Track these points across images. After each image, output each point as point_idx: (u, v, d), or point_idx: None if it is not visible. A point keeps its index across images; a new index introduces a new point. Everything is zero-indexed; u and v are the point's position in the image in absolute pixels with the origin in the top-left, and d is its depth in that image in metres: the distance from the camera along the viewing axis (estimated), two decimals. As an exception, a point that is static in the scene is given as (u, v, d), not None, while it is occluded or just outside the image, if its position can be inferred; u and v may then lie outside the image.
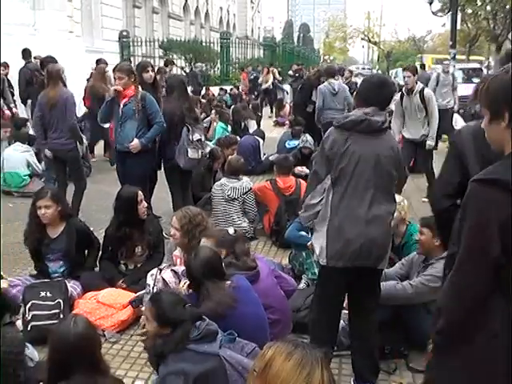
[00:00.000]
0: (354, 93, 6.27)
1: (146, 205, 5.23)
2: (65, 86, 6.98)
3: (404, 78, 7.83)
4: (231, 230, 4.33)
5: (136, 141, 6.20)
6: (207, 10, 41.27)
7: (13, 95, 12.22)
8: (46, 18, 15.07)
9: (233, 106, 14.13)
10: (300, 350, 1.87)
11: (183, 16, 35.00)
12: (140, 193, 5.18)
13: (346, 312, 3.90)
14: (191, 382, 2.94)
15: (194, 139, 6.42)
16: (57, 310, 4.42)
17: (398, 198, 4.90)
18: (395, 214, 4.44)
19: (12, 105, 11.98)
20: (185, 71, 21.48)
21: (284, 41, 37.24)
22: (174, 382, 2.95)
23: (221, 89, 19.45)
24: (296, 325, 4.28)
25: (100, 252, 5.28)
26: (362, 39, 59.47)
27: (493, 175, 1.91)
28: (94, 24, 20.29)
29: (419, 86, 7.76)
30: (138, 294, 4.61)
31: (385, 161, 3.50)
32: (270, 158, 9.87)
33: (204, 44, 25.71)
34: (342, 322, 4.03)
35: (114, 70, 6.55)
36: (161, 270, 4.44)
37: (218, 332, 3.18)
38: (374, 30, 58.61)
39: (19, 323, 4.42)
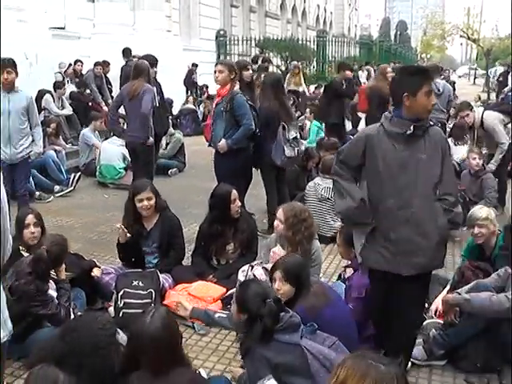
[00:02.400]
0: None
1: (239, 204, 5.24)
2: (149, 82, 7.14)
3: None
4: None
5: (223, 141, 6.28)
6: (304, 9, 41.17)
7: (111, 92, 12.77)
8: (144, 18, 15.58)
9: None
10: (374, 370, 1.82)
11: (280, 14, 35.10)
12: (234, 192, 5.20)
13: (439, 321, 3.80)
14: (273, 368, 3.03)
15: (290, 137, 6.43)
16: (148, 300, 4.52)
17: (486, 211, 4.74)
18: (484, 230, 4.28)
19: (110, 101, 12.52)
20: (281, 69, 21.52)
21: (381, 39, 36.60)
22: (257, 367, 3.06)
23: (316, 87, 19.31)
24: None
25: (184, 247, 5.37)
26: (461, 36, 57.33)
27: None
28: (192, 23, 20.74)
29: None
30: (230, 291, 4.63)
31: None
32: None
33: (300, 42, 25.66)
34: (433, 330, 3.94)
35: (215, 65, 6.67)
36: (252, 267, 4.47)
37: (300, 324, 3.23)
38: (474, 27, 56.39)
39: (111, 309, 4.60)
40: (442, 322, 4.10)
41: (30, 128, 6.31)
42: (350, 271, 4.24)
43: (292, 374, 3.08)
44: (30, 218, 4.63)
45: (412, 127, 3.27)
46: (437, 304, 4.23)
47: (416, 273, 3.36)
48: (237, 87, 6.37)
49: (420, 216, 3.31)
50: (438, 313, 4.20)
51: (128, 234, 5.00)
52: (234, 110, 6.21)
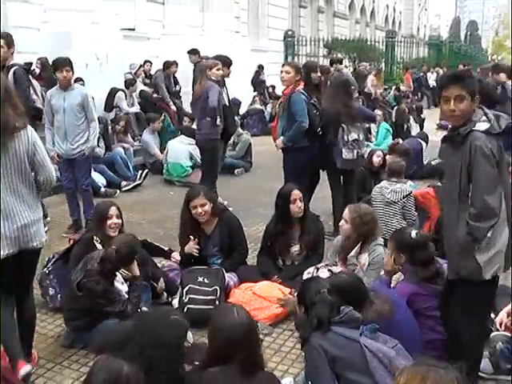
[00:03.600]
0: None
1: (299, 204, 5.15)
2: (212, 80, 7.17)
3: None
4: (413, 233, 4.09)
5: (279, 139, 6.44)
6: (373, 8, 40.66)
7: (179, 92, 12.98)
8: (213, 19, 15.75)
9: (396, 107, 13.81)
10: (433, 373, 1.84)
11: (349, 14, 34.80)
12: (295, 192, 5.16)
13: (507, 334, 3.66)
14: (330, 361, 3.04)
15: (350, 139, 6.35)
16: (213, 297, 4.58)
17: None
18: None
19: (177, 101, 12.73)
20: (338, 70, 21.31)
21: (450, 39, 35.70)
22: (315, 356, 3.06)
23: (385, 89, 18.98)
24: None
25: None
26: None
27: None
28: (260, 24, 20.82)
29: None
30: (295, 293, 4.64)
31: None
32: (432, 162, 9.50)
33: (369, 43, 25.38)
34: (500, 343, 3.82)
35: (282, 65, 6.76)
36: (318, 269, 4.45)
37: (361, 320, 3.24)
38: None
39: (175, 302, 4.68)
40: (509, 334, 3.96)
41: (88, 124, 6.50)
42: (400, 276, 4.15)
43: (350, 369, 3.07)
44: (114, 210, 4.76)
45: (446, 133, 3.34)
46: (502, 316, 4.09)
47: (455, 278, 3.39)
48: (299, 87, 6.37)
49: (445, 223, 3.46)
50: (504, 325, 4.06)
51: (196, 247, 5.05)
52: (290, 108, 6.30)
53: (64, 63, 6.34)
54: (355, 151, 6.45)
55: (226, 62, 7.58)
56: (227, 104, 7.42)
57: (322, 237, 5.37)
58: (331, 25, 31.35)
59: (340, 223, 4.80)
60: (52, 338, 4.39)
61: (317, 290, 3.31)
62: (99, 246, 4.55)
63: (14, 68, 6.47)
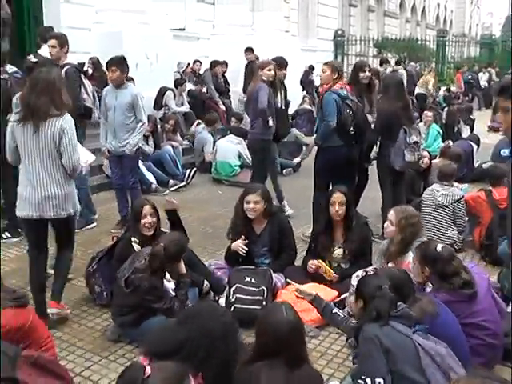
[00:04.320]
0: None
1: (337, 208, 5.02)
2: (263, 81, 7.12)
3: None
4: (439, 247, 3.97)
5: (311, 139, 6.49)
6: (424, 7, 40.03)
7: (228, 91, 13.04)
8: (263, 19, 15.75)
9: (446, 108, 13.56)
10: None
11: (399, 13, 34.36)
12: (335, 195, 5.09)
13: None
14: (384, 353, 3.01)
15: (411, 141, 6.27)
16: (260, 297, 4.58)
17: None
18: None
19: (227, 100, 12.79)
20: (394, 71, 21.07)
21: (503, 38, 34.79)
22: (371, 345, 3.05)
23: (448, 89, 18.51)
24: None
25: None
26: None
27: None
28: (310, 23, 20.74)
29: None
30: (342, 296, 4.59)
31: None
32: (484, 165, 9.27)
33: (419, 42, 24.99)
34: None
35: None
36: (366, 273, 4.39)
37: (413, 318, 3.23)
38: None
39: (222, 301, 4.69)
40: None
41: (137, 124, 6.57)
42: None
43: (403, 364, 3.02)
44: (147, 209, 4.78)
45: None
46: None
47: None
48: (335, 87, 6.28)
49: None
50: None
51: (244, 246, 5.05)
52: (322, 108, 6.32)
53: (111, 62, 6.47)
54: (416, 153, 6.37)
55: (282, 64, 7.50)
56: (282, 106, 7.33)
57: (370, 242, 5.26)
58: (381, 24, 31.02)
59: (385, 225, 4.77)
60: (99, 331, 4.47)
61: (377, 285, 3.29)
62: (136, 247, 4.63)
63: (66, 67, 6.60)
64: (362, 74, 6.86)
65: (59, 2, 10.87)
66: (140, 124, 6.60)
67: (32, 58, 6.80)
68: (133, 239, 4.73)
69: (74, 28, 9.86)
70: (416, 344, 3.07)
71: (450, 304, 3.64)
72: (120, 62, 6.48)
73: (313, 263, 4.98)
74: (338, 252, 5.12)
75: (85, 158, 4.86)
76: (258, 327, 2.96)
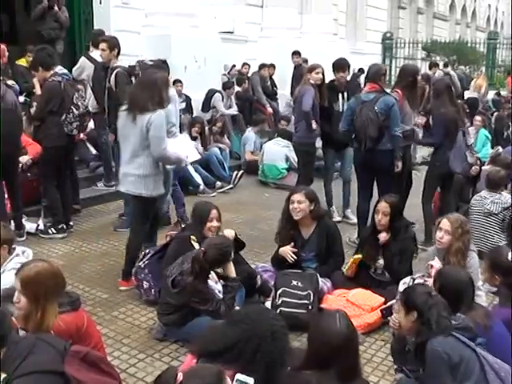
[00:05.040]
0: None
1: (379, 217, 4.96)
2: (311, 85, 7.05)
3: None
4: (510, 255, 3.82)
5: None
6: (474, 9, 39.25)
7: (275, 94, 13.05)
8: (312, 22, 15.69)
9: (496, 113, 13.23)
10: None
11: (449, 15, 33.80)
12: (380, 204, 5.03)
13: None
14: (451, 369, 2.93)
15: (469, 144, 6.17)
16: (306, 301, 4.55)
17: None
18: None
19: (274, 103, 12.78)
20: (446, 73, 20.69)
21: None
22: (439, 361, 2.97)
23: (497, 93, 17.92)
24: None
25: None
26: None
27: None
28: (358, 26, 20.60)
29: None
30: (389, 303, 4.46)
31: None
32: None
33: (469, 45, 24.50)
34: None
35: None
36: (414, 280, 4.33)
37: (473, 330, 3.16)
38: None
39: (268, 304, 4.67)
40: None
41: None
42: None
43: (468, 378, 2.94)
44: (214, 213, 4.84)
45: None
46: None
47: None
48: (364, 90, 6.27)
49: None
50: None
51: (292, 254, 5.02)
52: None
53: (154, 65, 6.45)
54: (475, 155, 6.28)
55: (344, 66, 7.18)
56: (342, 110, 7.03)
57: (411, 253, 5.04)
58: (430, 26, 30.58)
59: (438, 235, 4.54)
60: (144, 330, 4.53)
61: (427, 292, 3.20)
62: (196, 245, 4.62)
63: (117, 70, 6.73)
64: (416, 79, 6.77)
65: (110, 6, 11.08)
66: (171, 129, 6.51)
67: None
68: (193, 237, 4.71)
69: (124, 31, 10.01)
70: (481, 358, 2.98)
71: None
72: (160, 65, 6.48)
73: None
74: (380, 262, 5.04)
75: (185, 153, 5.47)
76: (310, 335, 2.90)
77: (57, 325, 3.19)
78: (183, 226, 5.25)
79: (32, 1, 11.98)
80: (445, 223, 4.49)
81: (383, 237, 4.93)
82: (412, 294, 3.26)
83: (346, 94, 7.08)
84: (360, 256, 5.01)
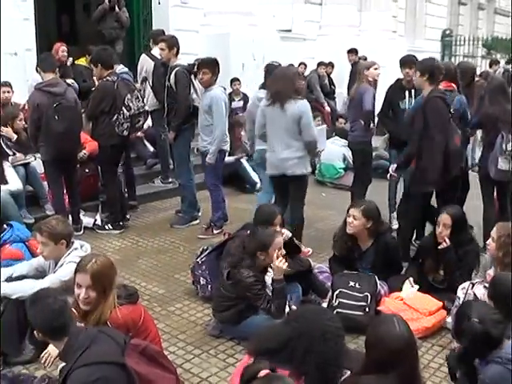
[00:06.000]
0: None
1: (440, 230, 4.79)
2: (368, 82, 6.95)
3: None
4: None
5: None
6: (541, 3, 37.89)
7: (334, 92, 12.96)
8: (371, 19, 15.52)
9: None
10: None
11: (511, 11, 32.77)
12: (442, 216, 4.85)
13: None
14: None
15: (508, 149, 5.90)
16: (363, 303, 4.49)
17: None
18: None
19: (331, 101, 12.69)
20: (506, 70, 20.09)
21: None
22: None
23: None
24: None
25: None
26: None
27: None
28: (417, 23, 20.24)
29: None
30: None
31: None
32: None
33: (532, 42, 23.67)
34: None
35: None
36: (473, 285, 4.21)
37: None
38: None
39: (324, 305, 4.61)
40: None
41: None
42: None
43: None
44: (279, 219, 4.82)
45: None
46: None
47: None
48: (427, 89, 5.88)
49: None
50: None
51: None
52: None
53: (201, 64, 6.48)
54: (511, 163, 5.95)
55: (410, 63, 6.71)
56: (406, 108, 6.76)
57: (471, 271, 4.84)
58: (491, 22, 29.69)
59: (488, 241, 4.43)
60: (200, 326, 4.57)
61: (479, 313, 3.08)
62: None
63: (176, 69, 6.81)
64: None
65: (168, 6, 11.23)
66: (216, 131, 6.42)
67: (275, 61, 6.99)
68: None
69: (182, 30, 10.10)
70: None
71: None
72: (211, 64, 6.47)
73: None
74: (442, 273, 4.89)
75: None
76: (369, 339, 2.84)
77: (114, 316, 3.28)
78: (243, 224, 5.18)
79: (92, 2, 12.29)
80: (493, 230, 4.35)
81: (443, 246, 4.78)
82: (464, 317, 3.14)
83: (413, 92, 6.73)
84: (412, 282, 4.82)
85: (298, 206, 5.83)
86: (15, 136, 6.87)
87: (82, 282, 3.31)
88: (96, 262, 3.33)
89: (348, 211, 4.97)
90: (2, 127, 6.80)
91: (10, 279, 4.05)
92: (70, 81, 7.67)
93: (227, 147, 6.80)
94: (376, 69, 6.92)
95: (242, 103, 10.76)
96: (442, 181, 5.47)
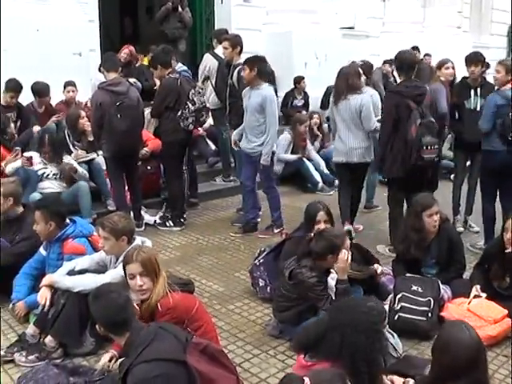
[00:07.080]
0: None
1: (508, 237, 4.57)
2: (441, 82, 6.79)
3: None
4: None
5: None
6: None
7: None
8: (435, 15, 15.25)
9: None
10: None
11: None
12: (508, 221, 4.67)
13: None
14: None
15: None
16: (426, 308, 4.37)
17: None
18: None
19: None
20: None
21: None
22: None
23: None
24: None
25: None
26: None
27: None
28: (483, 18, 19.67)
29: None
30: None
31: None
32: None
33: None
34: None
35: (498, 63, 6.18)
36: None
37: None
38: None
39: (385, 308, 4.55)
40: None
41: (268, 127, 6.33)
42: None
43: None
44: (321, 215, 4.76)
45: None
46: None
47: None
48: (505, 87, 5.81)
49: None
50: None
51: None
52: None
53: (245, 62, 6.40)
54: None
55: (473, 61, 6.46)
56: (476, 108, 6.49)
57: None
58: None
59: (506, 237, 4.41)
60: (260, 325, 4.56)
61: None
62: None
63: (239, 67, 6.84)
64: None
65: (231, 5, 11.29)
66: (271, 129, 6.31)
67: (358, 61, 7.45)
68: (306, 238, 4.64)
69: (244, 29, 10.13)
70: None
71: None
72: (251, 61, 6.36)
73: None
74: (508, 280, 4.67)
75: None
76: (438, 346, 2.77)
77: (165, 300, 3.38)
78: (298, 226, 5.16)
79: (155, 4, 12.49)
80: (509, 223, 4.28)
81: (510, 251, 4.61)
82: None
83: (479, 90, 6.47)
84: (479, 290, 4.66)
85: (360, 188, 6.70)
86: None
87: (134, 271, 3.42)
88: (141, 250, 3.50)
89: (421, 213, 4.83)
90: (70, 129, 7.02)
91: (72, 273, 4.16)
92: (132, 80, 7.83)
93: (275, 148, 6.70)
94: (448, 68, 6.74)
95: (303, 102, 10.72)
96: None
